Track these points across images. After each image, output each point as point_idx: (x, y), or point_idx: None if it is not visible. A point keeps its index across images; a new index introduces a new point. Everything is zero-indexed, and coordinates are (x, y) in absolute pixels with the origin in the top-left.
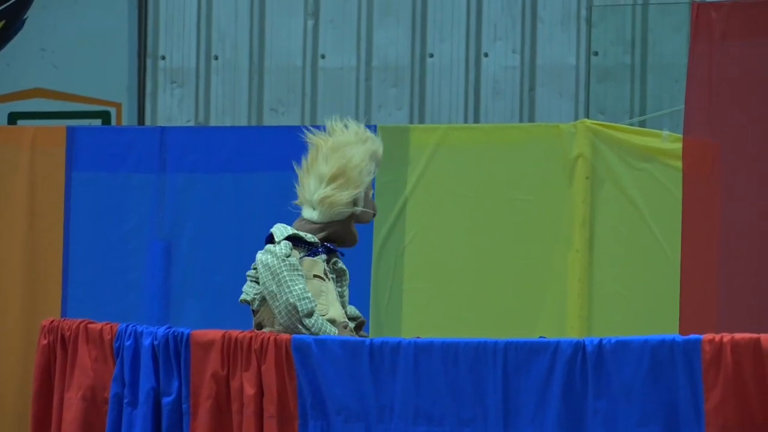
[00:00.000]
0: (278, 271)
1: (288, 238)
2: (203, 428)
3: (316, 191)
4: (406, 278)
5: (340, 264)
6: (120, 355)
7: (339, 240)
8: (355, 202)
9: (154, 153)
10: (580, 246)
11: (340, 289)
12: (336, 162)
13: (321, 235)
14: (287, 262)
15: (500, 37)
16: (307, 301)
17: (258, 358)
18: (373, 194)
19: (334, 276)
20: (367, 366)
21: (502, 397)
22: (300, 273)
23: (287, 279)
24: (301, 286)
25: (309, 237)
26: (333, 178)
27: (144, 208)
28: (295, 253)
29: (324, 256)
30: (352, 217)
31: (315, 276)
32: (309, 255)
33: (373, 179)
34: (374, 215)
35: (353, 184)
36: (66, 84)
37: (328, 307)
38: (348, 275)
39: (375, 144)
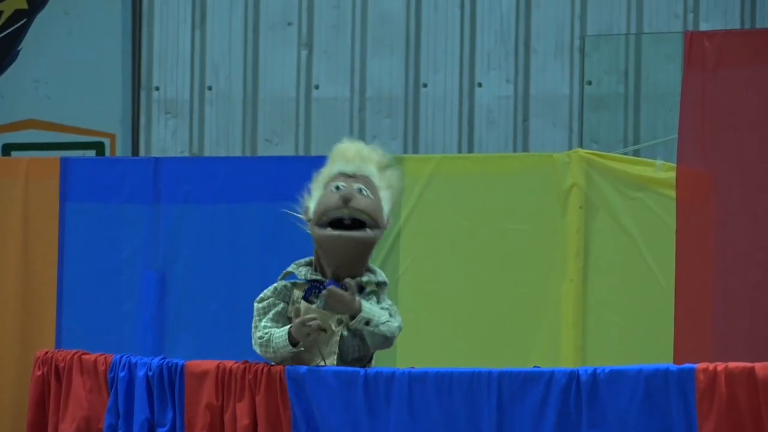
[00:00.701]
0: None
1: (283, 276)
2: None
3: None
4: (401, 308)
5: (366, 279)
6: (114, 386)
7: (326, 263)
8: (303, 209)
9: (148, 183)
10: (574, 275)
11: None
12: None
13: (318, 268)
14: (255, 308)
15: (494, 67)
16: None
17: (252, 389)
18: (334, 187)
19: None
20: (362, 396)
21: (497, 427)
22: (266, 314)
23: (253, 325)
24: (258, 334)
25: (301, 272)
26: None
27: (138, 238)
28: (297, 293)
29: (322, 300)
30: (312, 226)
31: None
32: (306, 295)
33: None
34: (331, 209)
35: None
36: (60, 115)
37: (320, 360)
38: (377, 290)
39: (334, 149)
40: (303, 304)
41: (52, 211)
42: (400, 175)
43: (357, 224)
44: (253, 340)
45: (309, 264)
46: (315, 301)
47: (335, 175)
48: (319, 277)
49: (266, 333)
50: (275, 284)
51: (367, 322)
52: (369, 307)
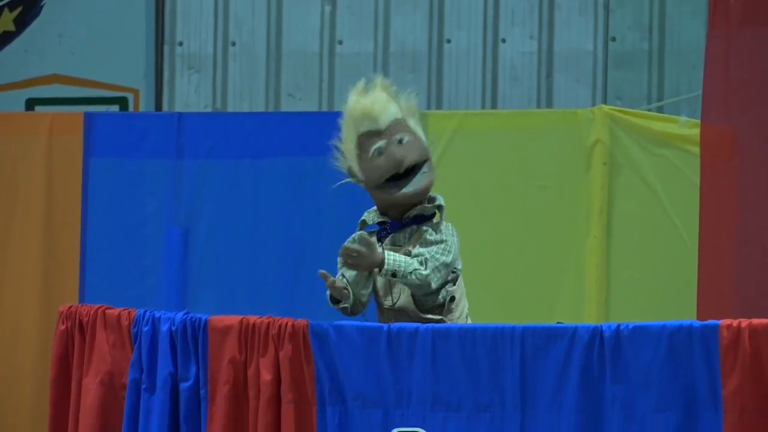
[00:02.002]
0: None
1: (362, 225)
2: (221, 414)
3: None
4: None
5: (434, 236)
6: (138, 341)
7: (393, 210)
8: (350, 173)
9: (172, 139)
10: (597, 232)
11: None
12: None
13: (380, 212)
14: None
15: (518, 23)
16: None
17: (275, 344)
18: (376, 151)
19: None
20: (385, 352)
21: (520, 383)
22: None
23: None
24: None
25: (369, 216)
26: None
27: (161, 194)
28: (374, 239)
29: (390, 238)
30: (368, 188)
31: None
32: (379, 241)
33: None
34: (388, 173)
35: (341, 157)
36: (83, 70)
37: (397, 295)
38: (436, 241)
39: (352, 107)
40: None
41: (76, 167)
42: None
43: (410, 171)
44: None
45: (377, 209)
46: (384, 242)
47: (367, 135)
48: (384, 219)
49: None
50: (355, 234)
51: (393, 274)
52: (394, 259)
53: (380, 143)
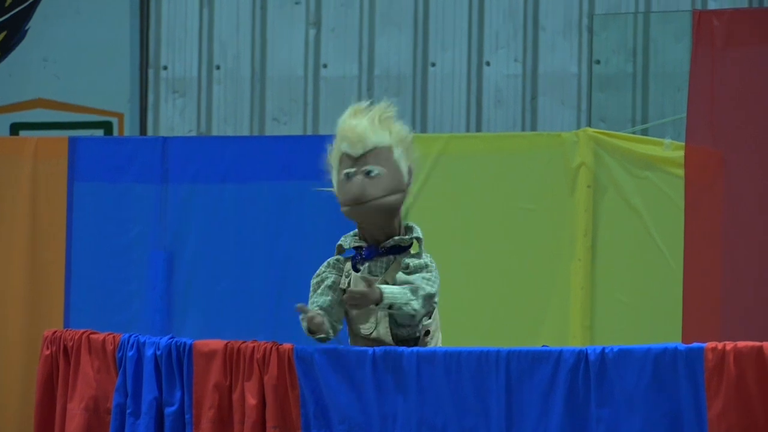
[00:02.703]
0: None
1: (339, 250)
2: None
3: None
4: None
5: (415, 263)
6: (122, 366)
7: (368, 232)
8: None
9: (156, 163)
10: (582, 255)
11: None
12: None
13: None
14: (311, 284)
15: (502, 46)
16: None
17: (260, 368)
18: (344, 175)
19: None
20: (370, 375)
21: (505, 406)
22: (317, 290)
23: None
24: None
25: (345, 241)
26: None
27: (146, 218)
28: (348, 265)
29: (367, 266)
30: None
31: None
32: (354, 267)
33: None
34: (346, 203)
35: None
36: (68, 94)
37: (372, 326)
38: (420, 267)
39: (339, 123)
40: (353, 275)
41: (60, 191)
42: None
43: None
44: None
45: (355, 234)
46: (361, 268)
47: (343, 156)
48: (359, 244)
49: (315, 281)
50: (329, 259)
51: (390, 306)
52: (390, 292)
53: (350, 170)
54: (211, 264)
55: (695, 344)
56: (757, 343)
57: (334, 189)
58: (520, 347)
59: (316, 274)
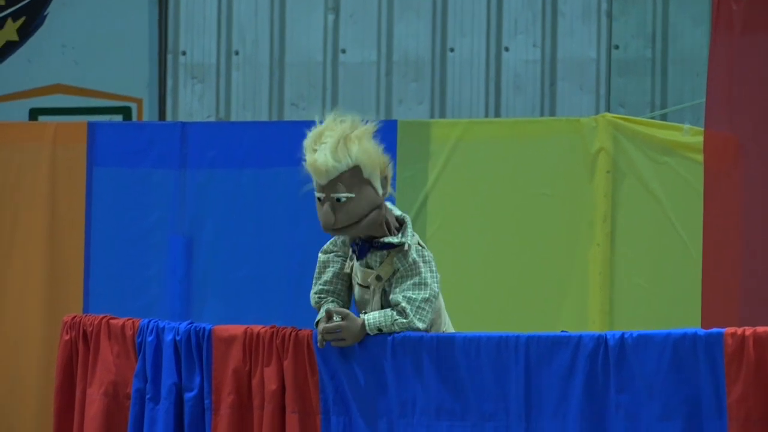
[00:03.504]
0: None
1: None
2: (225, 424)
3: None
4: None
5: (405, 261)
6: (142, 351)
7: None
8: None
9: (175, 149)
10: (601, 240)
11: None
12: None
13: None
14: (318, 259)
15: (521, 31)
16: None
17: (279, 354)
18: (319, 200)
19: (388, 277)
20: (390, 361)
21: (524, 392)
22: (323, 272)
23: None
24: (313, 298)
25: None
26: None
27: (165, 203)
28: (352, 253)
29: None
30: None
31: (358, 284)
32: (353, 252)
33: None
34: (323, 228)
35: None
36: (87, 80)
37: (366, 310)
38: (409, 267)
39: (304, 145)
40: (356, 263)
41: (80, 176)
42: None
43: None
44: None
45: None
46: (360, 261)
47: (314, 182)
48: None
49: (317, 301)
50: (330, 242)
51: (380, 330)
52: (373, 318)
53: (321, 194)
54: (230, 249)
55: (714, 330)
56: None
57: None
58: (539, 333)
59: (323, 249)
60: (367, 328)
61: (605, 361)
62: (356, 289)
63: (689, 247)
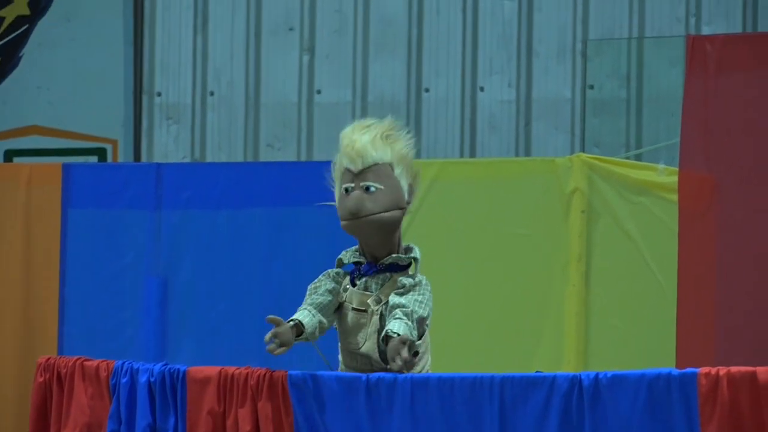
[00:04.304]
0: None
1: (339, 264)
2: None
3: None
4: None
5: (409, 281)
6: (116, 392)
7: (367, 247)
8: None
9: (150, 189)
10: (576, 280)
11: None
12: None
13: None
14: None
15: (496, 71)
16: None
17: (254, 395)
18: (344, 189)
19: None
20: (364, 402)
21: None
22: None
23: None
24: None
25: (345, 256)
26: None
27: (140, 244)
28: (347, 279)
29: (363, 282)
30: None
31: (353, 309)
32: (352, 282)
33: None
34: (343, 218)
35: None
36: (62, 121)
37: (362, 341)
38: (413, 285)
39: (343, 139)
40: (350, 290)
41: (54, 217)
42: (408, 139)
43: None
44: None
45: (356, 250)
46: (357, 283)
47: (344, 172)
48: (359, 259)
49: (311, 288)
50: (329, 270)
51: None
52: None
53: (349, 184)
54: (205, 290)
55: (689, 369)
56: (751, 368)
57: (336, 203)
58: (514, 373)
59: (314, 281)
60: (408, 337)
61: (579, 401)
62: (350, 316)
63: (664, 287)
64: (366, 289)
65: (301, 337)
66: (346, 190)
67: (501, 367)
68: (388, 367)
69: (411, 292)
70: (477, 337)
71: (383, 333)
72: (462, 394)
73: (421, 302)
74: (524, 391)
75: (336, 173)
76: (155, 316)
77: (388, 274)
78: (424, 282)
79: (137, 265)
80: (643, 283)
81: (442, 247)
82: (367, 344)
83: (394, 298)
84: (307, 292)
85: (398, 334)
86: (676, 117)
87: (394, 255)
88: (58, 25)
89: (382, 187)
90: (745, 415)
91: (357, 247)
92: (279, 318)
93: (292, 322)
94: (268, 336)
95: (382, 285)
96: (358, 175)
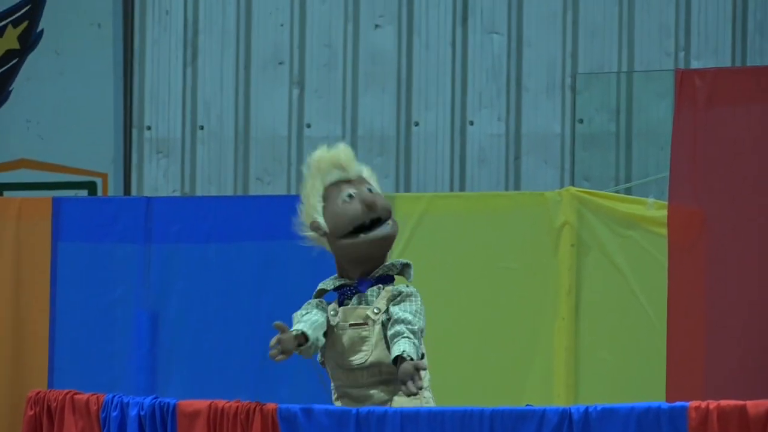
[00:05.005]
0: None
1: (318, 294)
2: None
3: None
4: None
5: (399, 289)
6: (107, 426)
7: (355, 267)
8: (313, 226)
9: (140, 223)
10: (566, 314)
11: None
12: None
13: (339, 273)
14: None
15: (485, 105)
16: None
17: (244, 428)
18: (347, 196)
19: (386, 308)
20: None
21: None
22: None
23: None
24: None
25: (327, 283)
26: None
27: (130, 278)
28: (334, 304)
29: (356, 298)
30: (331, 241)
31: (351, 325)
32: (342, 303)
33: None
34: (371, 207)
35: (304, 213)
36: (52, 155)
37: (369, 353)
38: (407, 294)
39: (319, 159)
40: (341, 309)
41: (44, 251)
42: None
43: (376, 222)
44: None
45: (335, 278)
46: (349, 302)
47: (336, 184)
48: (345, 281)
49: (301, 310)
50: (311, 300)
51: (422, 356)
52: (412, 351)
53: (351, 190)
54: (195, 323)
55: (678, 403)
56: (741, 402)
57: (322, 227)
58: (504, 407)
59: (299, 311)
60: (416, 358)
61: None
62: (347, 335)
63: (654, 321)
64: (360, 303)
65: (301, 347)
66: (350, 195)
67: (491, 401)
68: (399, 386)
69: (407, 302)
70: (466, 370)
71: (394, 353)
72: (452, 427)
73: (419, 313)
74: (514, 425)
75: (313, 200)
76: (145, 350)
77: (379, 285)
78: (414, 290)
79: (127, 298)
80: (632, 317)
81: (432, 280)
82: (375, 353)
83: (395, 310)
84: (296, 316)
85: (411, 358)
86: (665, 151)
87: (386, 265)
88: (47, 59)
89: (378, 191)
90: None
91: (334, 276)
92: (285, 325)
93: (295, 332)
94: (273, 341)
95: (377, 296)
96: (355, 181)
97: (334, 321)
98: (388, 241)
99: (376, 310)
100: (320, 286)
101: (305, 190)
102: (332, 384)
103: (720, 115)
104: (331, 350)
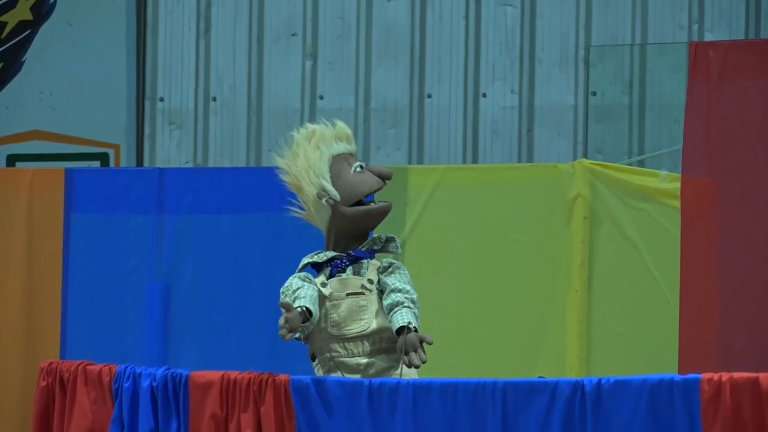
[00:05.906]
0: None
1: (303, 268)
2: None
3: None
4: None
5: (387, 261)
6: (119, 397)
7: (350, 240)
8: (320, 195)
9: (153, 194)
10: (578, 286)
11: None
12: (292, 171)
13: (331, 246)
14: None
15: (498, 78)
16: (282, 296)
17: (256, 400)
18: (358, 167)
19: (377, 279)
20: (366, 407)
21: None
22: (300, 277)
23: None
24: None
25: (319, 256)
26: (296, 189)
27: (142, 249)
28: (321, 277)
29: (350, 269)
30: (336, 211)
31: (348, 294)
32: (333, 275)
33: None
34: (378, 186)
35: (305, 182)
36: (64, 126)
37: (370, 321)
38: (397, 266)
39: (321, 131)
40: (331, 281)
41: (57, 222)
42: None
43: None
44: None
45: (320, 252)
46: (343, 274)
47: (342, 156)
48: (336, 254)
49: (290, 285)
50: (297, 274)
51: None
52: (412, 321)
53: (359, 162)
54: (208, 295)
55: (691, 375)
56: (753, 374)
57: (329, 193)
58: (517, 378)
59: (286, 284)
60: (417, 329)
61: (582, 406)
62: (345, 303)
63: (666, 293)
64: (356, 273)
65: (304, 324)
66: (361, 167)
67: (503, 373)
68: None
69: (397, 274)
70: (479, 342)
71: (398, 322)
72: (465, 399)
73: (411, 284)
74: (527, 397)
75: (319, 166)
76: (158, 321)
77: (366, 258)
78: (401, 263)
79: (140, 269)
80: (645, 289)
81: (445, 253)
82: (377, 320)
83: (391, 280)
84: (287, 292)
85: (416, 330)
86: (678, 123)
87: (371, 239)
88: (60, 30)
89: None
90: (748, 422)
91: (319, 251)
92: (290, 303)
93: (299, 309)
94: (281, 320)
95: (367, 268)
96: (355, 156)
97: (326, 292)
98: (386, 215)
99: (370, 280)
100: (306, 260)
101: (302, 161)
102: (318, 359)
103: (733, 87)
104: (324, 322)
